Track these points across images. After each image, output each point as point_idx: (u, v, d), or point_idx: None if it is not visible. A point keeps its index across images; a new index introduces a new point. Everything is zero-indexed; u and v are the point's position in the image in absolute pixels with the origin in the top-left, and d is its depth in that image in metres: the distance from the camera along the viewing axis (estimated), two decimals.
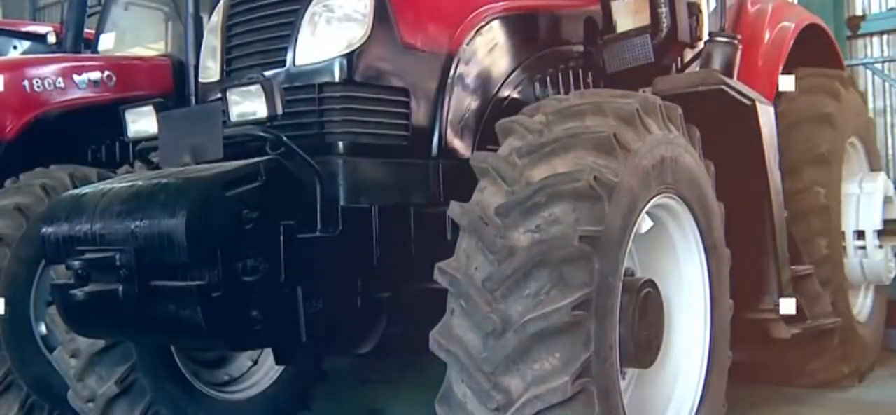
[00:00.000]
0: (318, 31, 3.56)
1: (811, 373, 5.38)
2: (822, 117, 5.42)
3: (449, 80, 3.79)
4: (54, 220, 3.38)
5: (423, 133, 3.73)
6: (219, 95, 3.41)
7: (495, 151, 3.23)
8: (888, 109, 8.85)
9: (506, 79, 4.06)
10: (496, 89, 4.01)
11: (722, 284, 3.75)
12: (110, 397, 4.04)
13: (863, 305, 5.84)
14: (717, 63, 4.36)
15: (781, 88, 5.33)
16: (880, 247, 5.60)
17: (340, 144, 3.48)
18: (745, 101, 4.14)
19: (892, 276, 5.81)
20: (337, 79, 3.50)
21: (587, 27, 4.51)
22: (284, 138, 3.24)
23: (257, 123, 3.25)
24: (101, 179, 4.70)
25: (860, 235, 5.61)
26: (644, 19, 4.28)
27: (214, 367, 4.61)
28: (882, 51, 8.86)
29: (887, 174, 6.31)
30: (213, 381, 4.54)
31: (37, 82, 5.66)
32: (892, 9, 8.85)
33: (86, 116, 5.75)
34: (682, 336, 3.70)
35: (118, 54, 6.70)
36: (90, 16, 7.25)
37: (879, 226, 5.61)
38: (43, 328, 5.01)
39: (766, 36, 5.39)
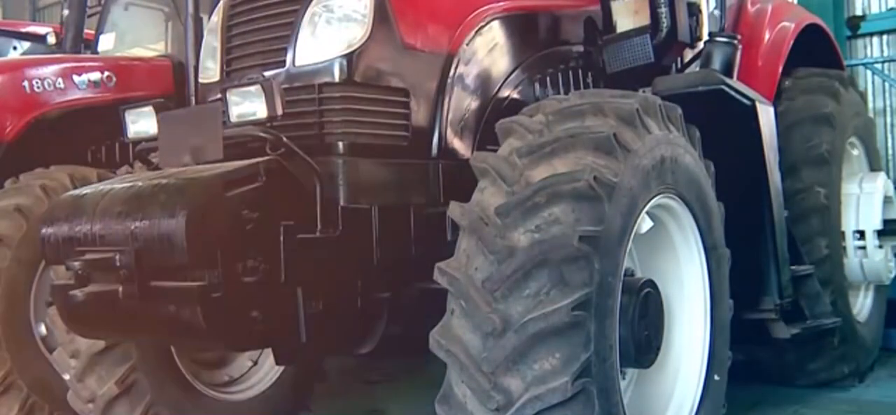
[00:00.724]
0: (318, 31, 3.56)
1: (811, 373, 5.38)
2: (822, 117, 5.41)
3: (449, 81, 3.79)
4: (54, 221, 3.37)
5: (423, 133, 3.72)
6: (219, 96, 3.41)
7: (495, 151, 3.23)
8: (888, 109, 8.83)
9: (506, 79, 4.06)
10: (496, 89, 4.01)
11: (722, 285, 3.75)
12: (110, 398, 4.05)
13: (863, 305, 5.84)
14: (717, 63, 4.36)
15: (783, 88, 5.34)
16: (880, 247, 5.60)
17: (340, 144, 3.47)
18: (745, 101, 4.14)
19: (892, 276, 5.81)
20: (337, 79, 3.49)
21: (587, 27, 4.51)
22: (284, 139, 3.24)
23: (257, 123, 3.25)
24: (101, 179, 4.70)
25: (860, 235, 5.61)
26: (644, 19, 4.28)
27: (214, 367, 4.61)
28: (882, 51, 8.84)
29: (887, 174, 6.31)
30: (213, 381, 4.54)
31: (37, 83, 5.64)
32: (892, 9, 8.83)
33: (86, 116, 5.73)
34: (682, 336, 3.70)
35: (118, 55, 6.69)
36: (90, 16, 7.24)
37: (879, 226, 5.61)
38: (43, 329, 5.01)
39: (766, 36, 5.39)
